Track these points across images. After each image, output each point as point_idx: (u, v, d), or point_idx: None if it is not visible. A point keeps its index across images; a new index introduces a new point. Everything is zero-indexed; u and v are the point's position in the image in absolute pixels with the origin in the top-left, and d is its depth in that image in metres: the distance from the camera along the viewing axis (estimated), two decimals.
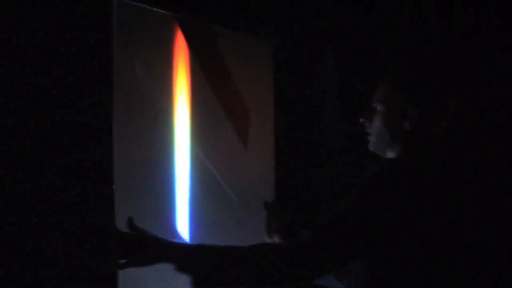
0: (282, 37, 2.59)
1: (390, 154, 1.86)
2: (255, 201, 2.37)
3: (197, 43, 2.29)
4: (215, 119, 2.35)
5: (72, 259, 1.94)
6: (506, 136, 2.76)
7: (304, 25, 2.66)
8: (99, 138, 2.03)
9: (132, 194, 1.97)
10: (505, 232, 2.60)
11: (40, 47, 2.01)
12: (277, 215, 2.26)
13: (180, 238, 2.13)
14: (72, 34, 2.05)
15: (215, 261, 1.67)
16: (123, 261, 1.67)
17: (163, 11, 2.16)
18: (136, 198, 1.98)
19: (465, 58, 2.74)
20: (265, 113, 2.57)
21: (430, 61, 2.63)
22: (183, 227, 2.17)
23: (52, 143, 2.00)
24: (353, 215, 1.65)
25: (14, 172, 1.92)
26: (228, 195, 2.34)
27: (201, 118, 2.29)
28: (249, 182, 2.43)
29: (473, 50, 2.75)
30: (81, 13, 2.06)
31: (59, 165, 2.00)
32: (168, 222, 2.12)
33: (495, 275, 1.89)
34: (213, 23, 2.36)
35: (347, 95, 2.73)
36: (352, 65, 2.77)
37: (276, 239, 2.19)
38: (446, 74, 1.87)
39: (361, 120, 1.90)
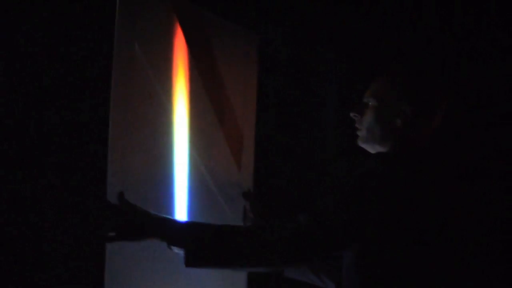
0: (269, 31, 2.60)
1: (380, 150, 1.85)
2: (234, 192, 2.40)
3: (192, 30, 2.28)
4: (201, 111, 2.38)
5: (61, 233, 1.92)
6: (497, 134, 2.78)
7: (292, 20, 2.67)
8: (95, 129, 2.04)
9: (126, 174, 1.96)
10: (495, 229, 2.64)
11: (39, 42, 1.99)
12: (254, 205, 2.30)
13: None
14: (72, 26, 2.03)
15: (207, 237, 1.66)
16: (112, 234, 1.67)
17: None
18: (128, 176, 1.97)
19: (460, 57, 2.76)
20: (247, 104, 2.55)
21: (426, 60, 2.67)
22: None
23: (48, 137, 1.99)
24: (347, 207, 1.67)
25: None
26: (208, 185, 2.39)
27: (194, 112, 2.30)
28: (229, 173, 2.43)
29: (468, 50, 2.77)
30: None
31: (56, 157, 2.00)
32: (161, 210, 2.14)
33: (486, 271, 1.94)
34: (206, 9, 2.36)
35: (332, 91, 2.77)
36: (342, 61, 2.78)
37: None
38: (440, 73, 1.88)
39: (352, 114, 1.89)
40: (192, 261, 1.65)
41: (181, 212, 2.17)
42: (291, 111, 2.76)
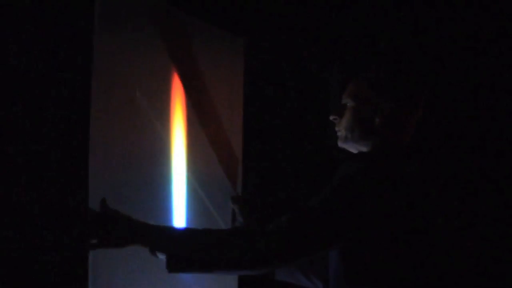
0: (254, 34, 2.61)
1: (361, 150, 1.86)
2: (222, 195, 2.39)
3: (173, 34, 2.28)
4: (186, 116, 2.36)
5: (41, 240, 1.88)
6: (479, 131, 2.80)
7: (277, 21, 2.68)
8: (75, 129, 2.01)
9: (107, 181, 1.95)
10: (478, 227, 2.67)
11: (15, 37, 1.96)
12: (243, 209, 2.29)
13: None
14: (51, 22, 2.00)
15: (189, 242, 1.67)
16: (94, 241, 1.67)
17: None
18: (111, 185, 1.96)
19: (436, 53, 2.78)
20: (234, 109, 2.56)
21: (399, 56, 2.69)
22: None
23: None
24: (329, 205, 1.67)
25: None
26: (195, 190, 2.38)
27: (178, 118, 2.31)
28: (216, 177, 2.42)
29: (444, 45, 2.79)
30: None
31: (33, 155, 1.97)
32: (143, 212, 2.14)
33: (468, 268, 1.95)
34: (186, 13, 2.35)
35: (319, 92, 2.77)
36: (331, 63, 2.78)
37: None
38: (417, 69, 1.88)
39: (331, 117, 1.90)
40: (174, 266, 1.65)
41: (167, 217, 2.16)
42: (279, 115, 2.76)
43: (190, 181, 2.33)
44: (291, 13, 2.72)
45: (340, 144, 1.90)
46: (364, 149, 1.85)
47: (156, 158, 2.19)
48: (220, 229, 1.71)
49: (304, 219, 1.68)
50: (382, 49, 2.72)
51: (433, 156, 1.86)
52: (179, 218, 2.23)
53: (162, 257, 1.68)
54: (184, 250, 1.66)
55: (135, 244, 1.69)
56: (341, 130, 1.88)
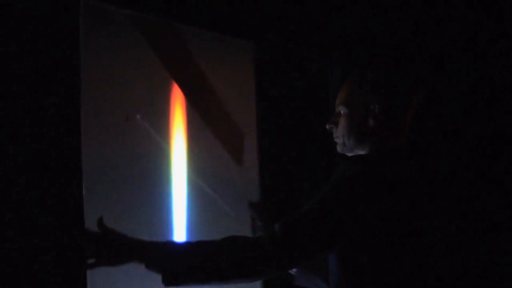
0: (264, 37, 2.60)
1: (360, 153, 1.87)
2: (241, 203, 2.41)
3: (169, 44, 2.30)
4: (196, 123, 2.37)
5: (38, 261, 1.92)
6: (477, 131, 2.78)
7: (286, 24, 2.67)
8: (67, 139, 2.04)
9: (102, 196, 1.98)
10: (477, 228, 2.67)
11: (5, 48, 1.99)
12: (261, 214, 2.32)
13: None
14: (39, 35, 2.03)
15: (183, 257, 1.70)
16: (91, 260, 1.72)
17: (135, 13, 2.17)
18: (106, 201, 1.99)
19: (426, 53, 2.76)
20: (248, 114, 2.58)
21: (389, 56, 2.68)
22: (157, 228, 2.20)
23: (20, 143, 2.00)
24: (323, 210, 1.68)
25: None
26: (211, 198, 2.37)
27: (182, 122, 2.31)
28: (234, 184, 2.45)
29: (433, 45, 2.78)
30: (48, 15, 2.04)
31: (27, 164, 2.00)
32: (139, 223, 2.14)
33: (466, 270, 1.95)
34: (188, 24, 2.36)
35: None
36: (340, 64, 2.77)
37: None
38: (407, 68, 1.89)
39: (327, 127, 1.93)
40: (170, 279, 1.68)
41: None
42: (293, 117, 2.75)
43: (205, 193, 2.35)
44: (294, 13, 2.71)
45: (339, 150, 1.92)
46: (362, 152, 1.87)
47: (167, 172, 2.21)
48: (213, 241, 1.73)
49: (297, 224, 1.69)
50: (369, 51, 2.73)
51: (431, 156, 1.84)
52: (197, 226, 2.26)
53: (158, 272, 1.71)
54: (178, 264, 1.69)
55: (132, 262, 1.73)
56: (338, 137, 1.90)
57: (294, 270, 2.07)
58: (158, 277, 1.69)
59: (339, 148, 1.91)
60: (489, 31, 2.78)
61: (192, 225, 2.21)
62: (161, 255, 1.70)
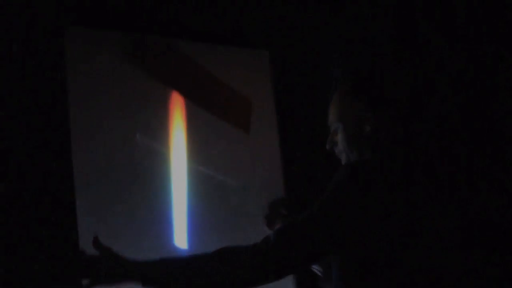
0: (278, 44, 2.63)
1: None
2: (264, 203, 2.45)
3: (172, 61, 2.41)
4: (212, 135, 2.46)
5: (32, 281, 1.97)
6: (472, 130, 2.76)
7: (298, 31, 2.70)
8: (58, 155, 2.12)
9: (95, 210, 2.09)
10: (472, 229, 2.63)
11: None
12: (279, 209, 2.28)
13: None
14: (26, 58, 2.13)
15: (179, 273, 1.71)
16: (85, 282, 1.71)
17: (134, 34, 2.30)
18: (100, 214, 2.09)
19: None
20: (268, 120, 2.64)
21: (373, 62, 2.67)
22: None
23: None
24: (316, 217, 1.68)
25: None
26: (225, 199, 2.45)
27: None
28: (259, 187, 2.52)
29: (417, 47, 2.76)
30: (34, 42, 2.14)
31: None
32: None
33: (463, 270, 1.90)
34: (196, 40, 2.45)
35: None
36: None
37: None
38: (393, 72, 1.91)
39: (327, 147, 1.93)
40: None
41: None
42: (315, 123, 2.75)
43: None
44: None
45: (344, 162, 1.92)
46: (367, 157, 1.86)
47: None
48: (207, 253, 1.74)
49: (290, 231, 1.70)
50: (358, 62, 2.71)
51: (429, 157, 1.81)
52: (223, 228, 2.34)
53: None
54: (174, 279, 1.71)
55: (128, 281, 1.74)
56: (341, 153, 1.90)
57: (320, 270, 2.06)
58: None
59: (343, 161, 1.90)
60: (489, 31, 2.77)
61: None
62: (157, 272, 1.72)
